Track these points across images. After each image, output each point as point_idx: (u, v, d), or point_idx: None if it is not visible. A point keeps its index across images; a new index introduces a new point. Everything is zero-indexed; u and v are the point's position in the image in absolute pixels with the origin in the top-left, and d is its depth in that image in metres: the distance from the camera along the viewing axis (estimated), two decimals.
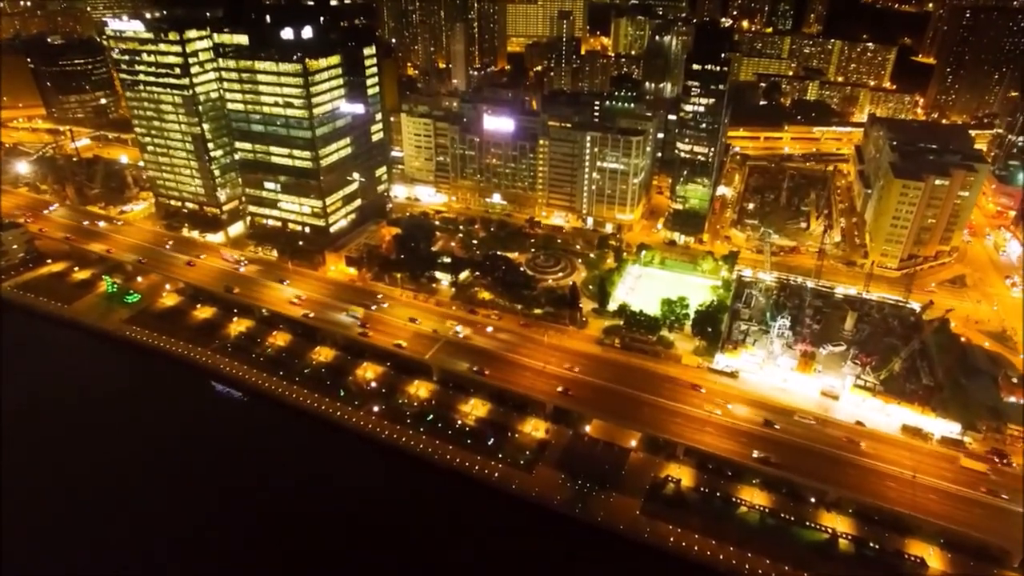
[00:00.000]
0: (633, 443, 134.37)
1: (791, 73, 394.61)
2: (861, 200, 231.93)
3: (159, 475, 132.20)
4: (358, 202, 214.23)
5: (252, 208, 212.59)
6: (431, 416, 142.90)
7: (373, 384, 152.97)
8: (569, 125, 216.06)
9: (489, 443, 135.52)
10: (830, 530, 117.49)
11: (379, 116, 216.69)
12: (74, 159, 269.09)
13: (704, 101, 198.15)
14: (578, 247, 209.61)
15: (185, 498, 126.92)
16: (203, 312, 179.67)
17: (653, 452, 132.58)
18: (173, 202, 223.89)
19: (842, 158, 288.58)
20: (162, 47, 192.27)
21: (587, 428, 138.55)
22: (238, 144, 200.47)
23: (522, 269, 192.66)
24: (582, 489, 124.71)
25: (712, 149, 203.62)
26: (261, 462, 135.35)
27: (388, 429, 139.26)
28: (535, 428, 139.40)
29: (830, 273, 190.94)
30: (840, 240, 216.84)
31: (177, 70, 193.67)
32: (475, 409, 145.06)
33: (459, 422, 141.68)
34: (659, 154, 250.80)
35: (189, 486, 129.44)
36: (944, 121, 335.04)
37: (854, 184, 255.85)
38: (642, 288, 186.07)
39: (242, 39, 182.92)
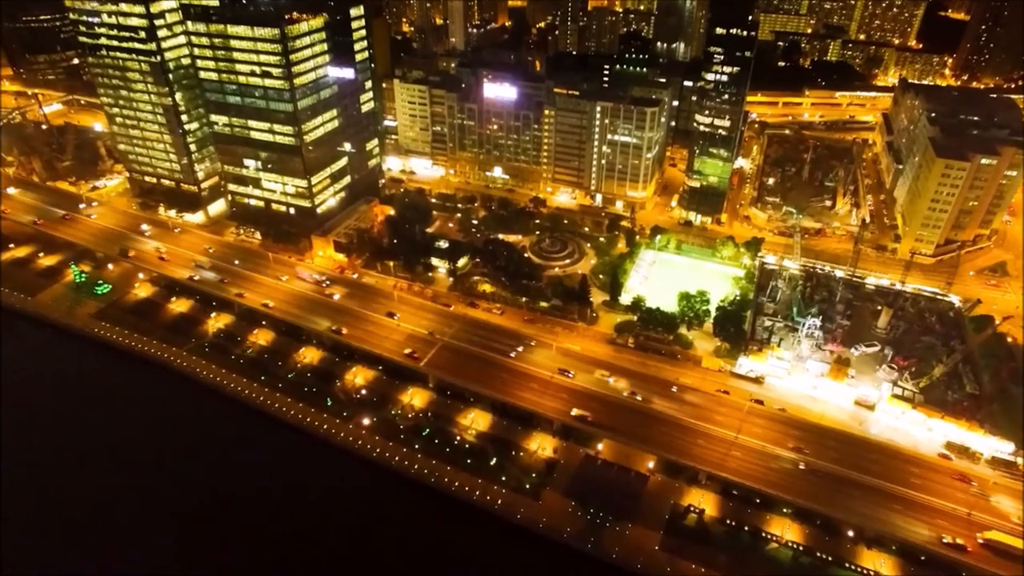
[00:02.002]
0: (651, 464, 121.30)
1: (810, 31, 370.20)
2: (891, 176, 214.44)
3: (115, 494, 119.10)
4: (348, 179, 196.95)
5: (232, 187, 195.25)
6: (427, 430, 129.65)
7: (363, 391, 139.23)
8: (577, 93, 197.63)
9: (491, 463, 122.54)
10: (871, 573, 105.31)
11: (369, 83, 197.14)
12: (43, 127, 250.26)
13: (727, 69, 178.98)
14: (586, 229, 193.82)
15: (142, 520, 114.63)
16: (178, 305, 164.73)
17: (672, 476, 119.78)
18: (148, 178, 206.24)
19: (867, 126, 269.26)
20: (123, 7, 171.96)
21: (599, 447, 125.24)
22: (213, 117, 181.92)
23: (526, 255, 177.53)
24: (594, 520, 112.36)
25: (734, 121, 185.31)
26: (235, 481, 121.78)
27: (379, 446, 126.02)
28: (542, 446, 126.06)
29: (859, 259, 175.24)
30: (868, 221, 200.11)
31: (142, 34, 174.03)
32: (475, 422, 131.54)
33: (458, 437, 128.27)
34: (673, 123, 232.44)
35: (147, 506, 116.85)
36: (976, 84, 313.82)
37: (881, 157, 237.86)
38: (657, 276, 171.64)
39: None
